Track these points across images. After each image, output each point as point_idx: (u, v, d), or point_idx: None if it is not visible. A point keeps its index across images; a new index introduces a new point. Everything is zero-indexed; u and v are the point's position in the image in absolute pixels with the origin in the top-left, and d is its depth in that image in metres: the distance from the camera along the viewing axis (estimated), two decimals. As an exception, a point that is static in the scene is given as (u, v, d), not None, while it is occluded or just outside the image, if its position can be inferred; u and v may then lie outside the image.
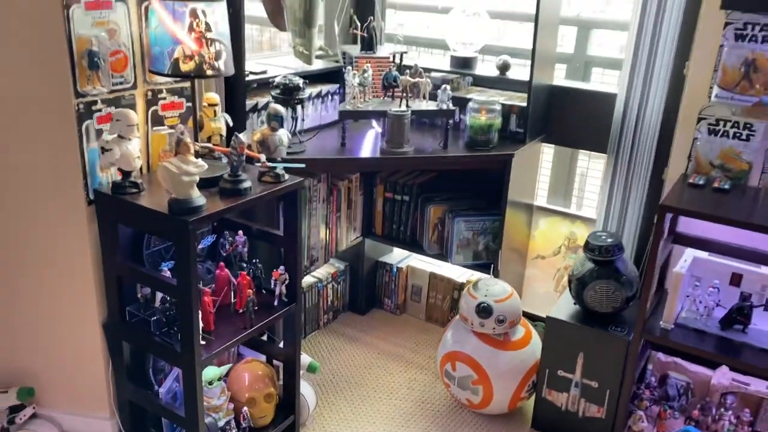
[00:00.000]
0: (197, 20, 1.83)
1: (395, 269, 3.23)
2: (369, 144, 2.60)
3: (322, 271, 3.08)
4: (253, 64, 2.61)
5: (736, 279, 2.24)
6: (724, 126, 2.26)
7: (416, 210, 2.95)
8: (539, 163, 2.90)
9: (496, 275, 2.69)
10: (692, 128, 2.31)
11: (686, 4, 2.30)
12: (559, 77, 3.10)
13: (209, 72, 1.89)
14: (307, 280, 2.97)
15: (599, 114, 2.61)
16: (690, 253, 2.28)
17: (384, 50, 2.86)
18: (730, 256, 2.26)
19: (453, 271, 3.17)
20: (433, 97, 2.59)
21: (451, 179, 2.98)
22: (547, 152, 3.06)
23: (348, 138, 2.59)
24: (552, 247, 2.96)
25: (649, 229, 2.48)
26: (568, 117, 2.73)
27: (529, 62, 2.52)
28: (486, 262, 2.80)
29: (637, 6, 2.37)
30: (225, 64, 1.92)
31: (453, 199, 2.92)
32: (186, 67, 1.86)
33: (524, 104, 2.61)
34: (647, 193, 2.53)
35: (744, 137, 2.24)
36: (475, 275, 2.97)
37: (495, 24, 3.27)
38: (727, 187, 2.16)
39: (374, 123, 2.76)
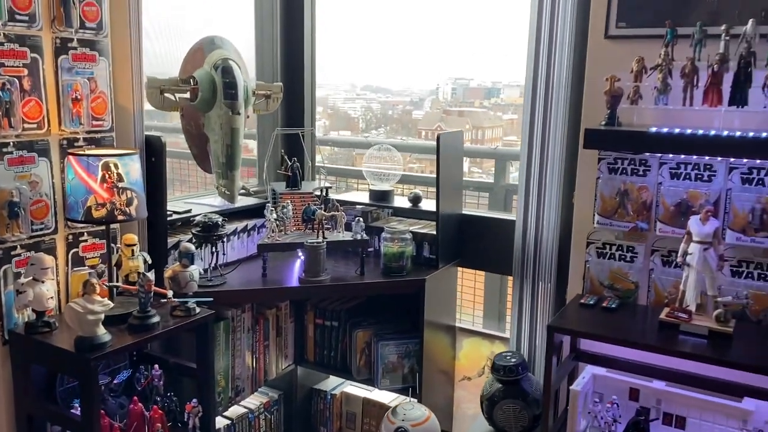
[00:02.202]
0: (109, 172, 2.03)
1: (329, 396, 3.26)
2: (289, 274, 2.75)
3: (255, 401, 3.10)
4: (181, 204, 2.81)
5: (634, 394, 2.34)
6: (610, 249, 2.45)
7: (345, 335, 3.04)
8: (456, 287, 3.05)
9: (418, 398, 2.75)
10: (583, 251, 2.50)
11: (567, 139, 2.56)
12: (483, 204, 3.35)
13: (120, 217, 2.07)
14: (237, 410, 2.99)
15: (504, 239, 2.80)
16: (589, 371, 2.39)
17: (310, 186, 3.08)
18: (627, 372, 2.37)
19: (386, 396, 3.20)
20: (350, 227, 2.78)
21: (378, 303, 3.10)
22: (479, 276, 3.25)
23: (272, 269, 2.74)
24: (476, 368, 3.04)
25: (556, 347, 2.60)
26: (477, 242, 2.92)
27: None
28: (412, 386, 2.87)
29: (525, 139, 2.63)
30: (137, 210, 2.10)
31: (379, 323, 3.03)
32: (98, 213, 2.03)
33: (434, 232, 2.80)
34: (553, 313, 2.66)
35: (628, 259, 2.42)
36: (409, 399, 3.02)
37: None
38: (614, 306, 2.31)
39: (300, 253, 2.92)
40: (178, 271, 2.20)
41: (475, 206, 3.33)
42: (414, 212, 3.03)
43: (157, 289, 2.09)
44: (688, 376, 2.24)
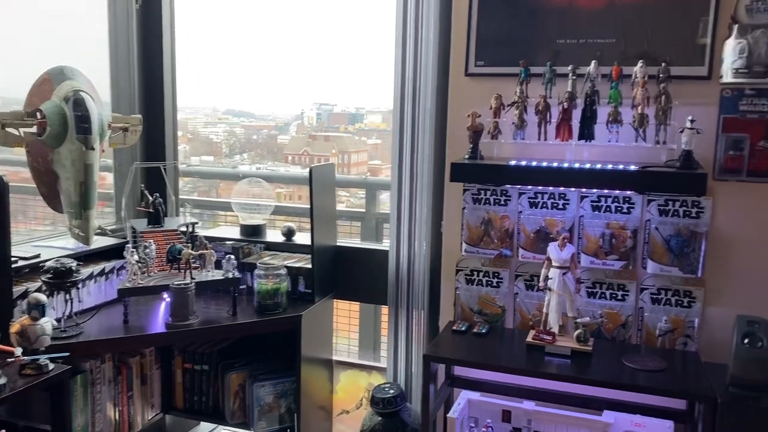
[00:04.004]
0: (-60, 218, 1.79)
1: (201, 443, 3.09)
2: (154, 319, 2.58)
3: (118, 457, 2.86)
4: (29, 247, 2.55)
5: (506, 416, 2.43)
6: (478, 275, 2.55)
7: (217, 379, 2.90)
8: (332, 319, 3.02)
9: (296, 438, 2.68)
10: (453, 279, 2.58)
11: (434, 170, 2.65)
12: (356, 233, 3.36)
13: (-46, 269, 1.83)
14: (99, 469, 2.74)
15: (378, 269, 2.82)
16: (464, 396, 2.45)
17: (174, 222, 2.93)
18: (500, 395, 2.46)
19: (264, 438, 3.09)
20: (220, 265, 2.66)
21: (251, 343, 2.99)
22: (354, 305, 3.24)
23: (135, 313, 2.56)
24: (354, 401, 3.02)
25: (432, 375, 2.64)
26: (353, 274, 2.93)
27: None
28: (290, 425, 2.79)
29: (394, 172, 2.68)
30: (-26, 259, 1.88)
31: (253, 363, 2.93)
32: (-74, 266, 1.79)
33: (310, 266, 2.76)
34: (427, 341, 2.72)
35: (495, 284, 2.53)
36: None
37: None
38: (484, 331, 2.40)
39: (166, 296, 2.76)
40: (27, 325, 1.98)
41: (348, 235, 3.35)
42: (288, 246, 2.97)
43: (2, 347, 1.87)
44: (555, 394, 2.38)
